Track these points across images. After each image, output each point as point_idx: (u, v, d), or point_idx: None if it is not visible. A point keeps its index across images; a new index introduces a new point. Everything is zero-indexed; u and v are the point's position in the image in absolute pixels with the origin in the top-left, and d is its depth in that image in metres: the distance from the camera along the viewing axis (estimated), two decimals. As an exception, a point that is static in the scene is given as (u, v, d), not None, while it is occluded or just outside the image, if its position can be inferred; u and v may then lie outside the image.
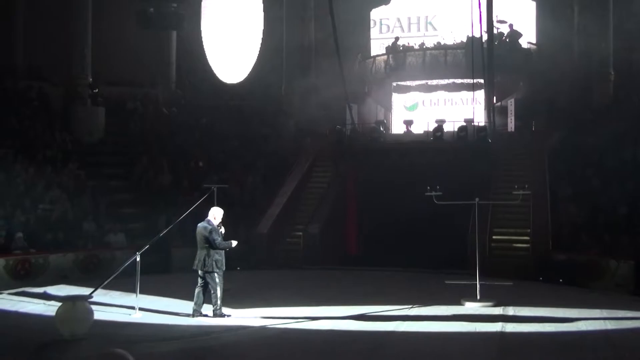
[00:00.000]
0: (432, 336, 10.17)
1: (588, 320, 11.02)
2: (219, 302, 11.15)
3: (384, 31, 28.53)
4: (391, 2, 28.14)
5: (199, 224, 11.25)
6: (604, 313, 11.57)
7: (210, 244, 11.02)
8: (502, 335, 10.15)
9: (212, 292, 11.12)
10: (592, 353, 9.17)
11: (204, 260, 11.08)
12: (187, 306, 11.67)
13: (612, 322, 10.90)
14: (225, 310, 11.30)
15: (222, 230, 11.34)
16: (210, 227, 11.12)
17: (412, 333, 10.34)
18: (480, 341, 9.87)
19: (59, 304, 10.33)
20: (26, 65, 23.44)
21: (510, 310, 11.98)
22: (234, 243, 11.26)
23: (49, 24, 22.90)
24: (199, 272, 11.15)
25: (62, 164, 19.77)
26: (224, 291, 11.22)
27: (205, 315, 11.21)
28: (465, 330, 10.48)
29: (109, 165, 21.38)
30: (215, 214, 11.34)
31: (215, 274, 11.06)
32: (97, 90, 23.74)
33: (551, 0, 25.06)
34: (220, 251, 11.13)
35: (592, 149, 19.41)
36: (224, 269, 11.19)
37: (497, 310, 11.98)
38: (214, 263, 11.05)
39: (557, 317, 11.36)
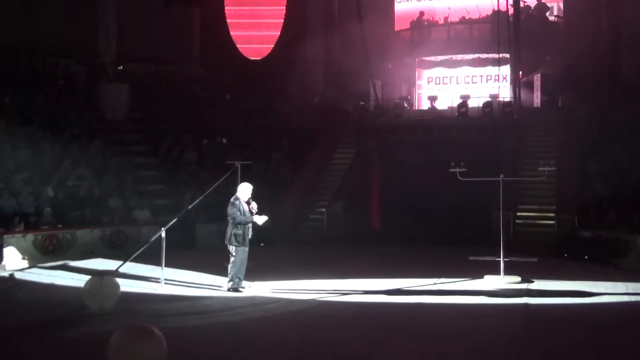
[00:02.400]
0: (457, 309, 10.23)
1: (613, 295, 11.00)
2: (233, 276, 11.26)
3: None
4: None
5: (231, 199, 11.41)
6: (630, 288, 11.53)
7: (232, 218, 11.17)
8: (526, 309, 10.14)
9: (230, 265, 11.29)
10: (617, 327, 9.12)
11: (227, 234, 11.28)
12: (211, 281, 11.79)
13: (638, 297, 10.82)
14: (245, 283, 11.41)
15: (253, 205, 11.37)
16: (232, 201, 11.25)
17: (437, 306, 10.42)
18: (504, 315, 9.88)
19: (87, 278, 10.48)
20: (51, 43, 23.57)
21: (535, 285, 11.97)
22: (256, 218, 11.29)
23: (74, 2, 22.97)
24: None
25: (88, 141, 19.95)
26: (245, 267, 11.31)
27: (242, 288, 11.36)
28: (490, 303, 10.52)
29: (134, 142, 21.52)
30: (242, 190, 11.42)
31: (234, 248, 11.19)
32: (121, 68, 23.85)
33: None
34: (242, 225, 11.19)
35: (620, 125, 19.11)
36: (245, 244, 11.24)
37: (522, 286, 11.96)
38: (233, 237, 11.20)
39: (582, 291, 11.34)
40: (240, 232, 11.23)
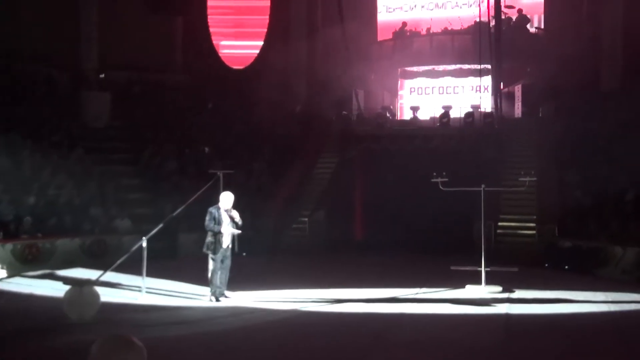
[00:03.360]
0: (438, 319, 10.28)
1: (593, 303, 11.09)
2: (210, 284, 11.27)
3: (390, 11, 28.25)
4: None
5: None
6: (609, 297, 11.63)
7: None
8: (507, 319, 10.20)
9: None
10: (596, 336, 9.20)
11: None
12: (193, 290, 11.74)
13: (617, 305, 10.95)
14: (226, 292, 11.40)
15: (234, 214, 11.33)
16: (209, 209, 11.31)
17: (419, 316, 10.45)
18: (486, 324, 9.94)
19: (67, 288, 10.40)
20: (33, 50, 23.42)
21: (516, 295, 12.04)
22: (224, 229, 11.20)
23: (56, 8, 22.85)
24: None
25: (68, 149, 19.81)
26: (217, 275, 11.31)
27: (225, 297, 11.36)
28: (471, 312, 10.56)
29: (115, 150, 21.39)
30: (222, 199, 11.43)
31: (208, 257, 11.22)
32: (103, 75, 23.75)
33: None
34: (213, 234, 11.21)
35: (600, 136, 19.33)
36: (215, 253, 11.21)
37: (503, 295, 12.04)
38: (206, 245, 11.29)
39: (562, 300, 11.43)
40: (212, 239, 11.24)
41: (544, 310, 10.77)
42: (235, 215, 11.37)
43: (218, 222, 11.22)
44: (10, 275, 14.24)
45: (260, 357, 8.51)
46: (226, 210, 11.31)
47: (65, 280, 12.54)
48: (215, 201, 11.58)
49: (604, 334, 9.40)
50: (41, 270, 14.82)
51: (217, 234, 11.22)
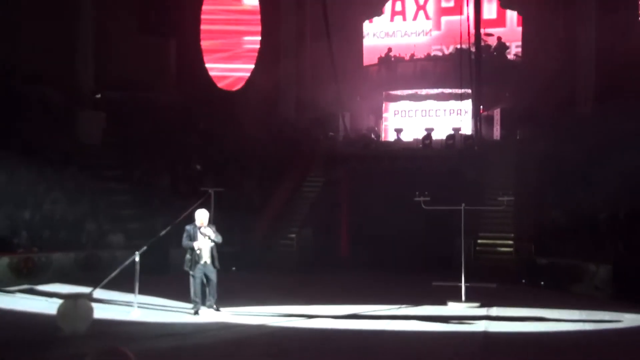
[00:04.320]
0: (419, 336, 10.22)
1: (568, 322, 11.10)
2: (191, 299, 11.32)
3: (376, 36, 28.66)
4: (384, 13, 28.28)
5: None
6: (583, 315, 11.66)
7: None
8: (485, 335, 10.23)
9: None
10: (571, 354, 9.26)
11: None
12: (183, 305, 11.72)
13: (591, 324, 10.99)
14: (202, 311, 11.37)
15: (206, 230, 11.25)
16: (185, 227, 11.37)
17: (400, 332, 10.39)
18: (464, 340, 9.96)
19: (61, 301, 10.36)
20: (30, 69, 23.39)
21: (494, 311, 12.08)
22: (194, 244, 11.19)
23: (52, 29, 22.84)
24: None
25: (63, 166, 19.75)
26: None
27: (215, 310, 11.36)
28: (451, 329, 10.57)
29: (108, 167, 21.33)
30: (197, 216, 11.40)
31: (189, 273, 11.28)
32: (98, 95, 23.73)
33: (537, 14, 25.21)
34: (191, 251, 11.24)
35: (575, 157, 19.51)
36: (192, 269, 11.25)
37: (482, 311, 12.07)
38: (185, 262, 11.35)
39: (538, 317, 11.45)
40: (189, 256, 11.30)
41: (520, 327, 10.79)
42: (208, 231, 11.26)
43: (192, 239, 11.22)
44: (4, 289, 14.11)
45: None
46: (201, 227, 11.25)
47: (60, 293, 12.48)
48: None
49: (579, 352, 9.44)
50: (36, 283, 14.72)
51: (194, 251, 11.21)
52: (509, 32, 26.76)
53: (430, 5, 28.11)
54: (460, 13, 26.70)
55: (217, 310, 11.39)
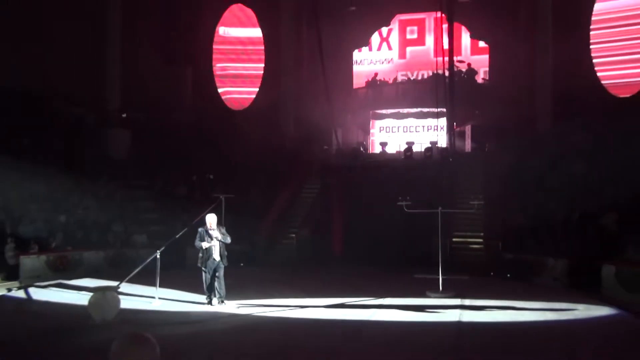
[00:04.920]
0: (401, 324, 10.10)
1: (531, 310, 10.99)
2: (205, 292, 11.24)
3: (364, 64, 28.78)
4: (370, 44, 28.37)
5: None
6: (545, 305, 11.46)
7: None
8: (459, 323, 10.15)
9: None
10: (533, 337, 9.23)
11: None
12: (197, 296, 11.66)
13: (551, 313, 10.86)
14: (214, 301, 11.26)
15: (214, 231, 11.11)
16: (198, 230, 11.23)
17: (384, 322, 10.25)
18: (441, 328, 9.87)
19: (92, 293, 10.31)
20: (65, 92, 23.38)
21: (467, 301, 12.00)
22: (203, 244, 11.08)
23: (85, 58, 22.87)
24: None
25: (94, 176, 19.73)
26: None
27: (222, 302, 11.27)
28: (429, 319, 10.47)
29: (134, 177, 21.33)
30: (207, 220, 11.26)
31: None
32: (125, 115, 23.74)
33: (502, 44, 25.34)
34: (202, 250, 11.12)
35: (534, 167, 19.56)
36: (204, 266, 11.13)
37: (456, 301, 12.01)
38: (198, 260, 11.23)
39: (505, 306, 11.37)
40: (200, 255, 11.18)
41: (490, 316, 10.63)
42: (216, 233, 11.13)
43: (202, 239, 11.12)
44: (42, 283, 14.05)
45: (253, 348, 8.49)
46: (211, 229, 11.15)
47: (90, 287, 12.41)
48: (218, 221, 11.50)
49: (540, 337, 9.41)
50: (70, 278, 14.66)
51: (204, 250, 11.11)
52: (478, 59, 26.86)
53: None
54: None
55: (222, 302, 11.25)
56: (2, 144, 18.47)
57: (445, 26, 22.46)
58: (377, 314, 10.82)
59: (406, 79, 27.49)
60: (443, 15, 21.69)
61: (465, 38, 26.79)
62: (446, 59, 21.61)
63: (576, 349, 8.63)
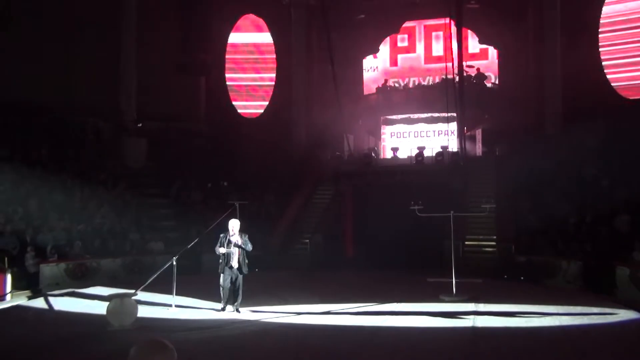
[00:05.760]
0: (416, 329, 9.91)
1: (546, 315, 10.74)
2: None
3: (374, 71, 28.76)
4: (379, 52, 28.32)
5: None
6: (560, 309, 11.22)
7: None
8: (474, 328, 9.94)
9: None
10: (550, 343, 9.04)
11: None
12: (213, 303, 11.63)
13: (567, 317, 10.58)
14: (228, 308, 11.16)
15: (234, 237, 10.99)
16: (219, 235, 11.09)
17: (399, 327, 10.06)
18: (455, 333, 9.67)
19: (110, 300, 10.32)
20: (82, 103, 23.57)
21: (481, 305, 11.80)
22: (220, 250, 10.97)
23: (101, 70, 23.08)
24: None
25: (112, 185, 19.83)
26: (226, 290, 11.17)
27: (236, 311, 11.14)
28: (443, 324, 10.28)
29: (150, 186, 21.42)
30: (229, 225, 11.10)
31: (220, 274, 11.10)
32: (140, 125, 23.88)
33: (511, 49, 25.22)
34: (221, 255, 11.00)
35: (545, 170, 19.38)
36: (222, 270, 11.04)
37: (470, 305, 11.84)
38: (219, 265, 11.08)
39: (520, 311, 11.16)
40: (221, 261, 11.05)
41: (504, 322, 10.31)
42: (236, 237, 10.98)
43: (221, 245, 10.98)
44: (61, 290, 14.10)
45: (266, 353, 8.45)
46: (232, 235, 11.03)
47: (108, 295, 12.43)
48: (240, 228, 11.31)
49: (556, 342, 9.22)
50: (89, 285, 14.70)
51: (223, 256, 10.98)
52: (488, 64, 26.74)
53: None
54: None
55: (237, 311, 11.08)
56: (22, 155, 18.65)
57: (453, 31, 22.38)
58: (391, 318, 10.70)
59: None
60: (452, 20, 21.60)
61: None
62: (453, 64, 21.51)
63: (594, 355, 8.44)
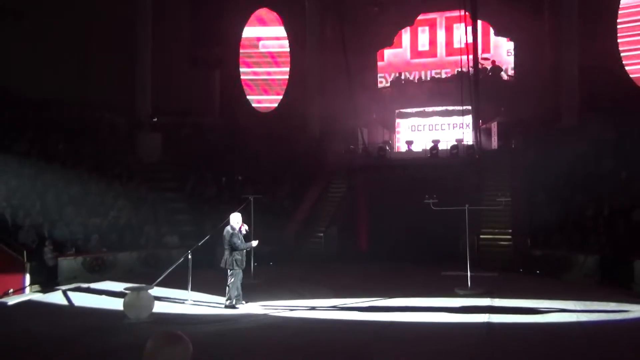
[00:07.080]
0: (431, 325, 9.83)
1: (563, 311, 10.54)
2: (232, 295, 10.99)
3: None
4: (393, 43, 28.18)
5: (225, 228, 11.08)
6: (577, 305, 11.02)
7: (232, 246, 10.88)
8: (489, 324, 9.82)
9: (228, 285, 11.01)
10: (565, 340, 8.92)
11: (227, 259, 10.95)
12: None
13: (585, 314, 10.38)
14: (241, 303, 11.15)
15: (245, 228, 11.01)
16: (232, 232, 10.87)
17: (414, 322, 9.98)
18: (469, 330, 9.48)
19: (127, 293, 10.42)
20: (99, 99, 23.77)
21: (497, 300, 11.65)
22: (254, 243, 11.00)
23: (117, 66, 23.26)
24: (227, 269, 11.04)
25: (127, 179, 19.98)
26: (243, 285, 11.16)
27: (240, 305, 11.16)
28: (459, 319, 10.17)
29: (165, 180, 21.54)
30: (234, 219, 11.04)
31: (235, 271, 10.91)
32: (155, 119, 24.02)
33: (527, 40, 24.93)
34: (242, 251, 10.97)
35: (561, 163, 19.19)
36: (243, 266, 11.05)
37: (486, 299, 11.72)
38: (234, 262, 10.87)
39: (536, 306, 11.01)
40: (240, 257, 10.93)
41: (520, 318, 10.17)
42: (245, 227, 11.03)
43: (242, 241, 10.92)
44: (78, 284, 14.25)
45: (279, 345, 8.49)
46: (242, 227, 11.00)
47: (125, 288, 12.53)
48: (245, 221, 11.26)
49: (574, 339, 9.09)
50: (106, 279, 14.83)
51: (242, 251, 10.98)
52: (503, 56, 26.49)
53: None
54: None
55: (243, 303, 11.16)
56: (40, 150, 18.85)
57: (462, 24, 22.17)
58: (406, 312, 10.65)
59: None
60: (467, 12, 21.42)
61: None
62: (470, 56, 21.35)
63: (611, 353, 8.33)
